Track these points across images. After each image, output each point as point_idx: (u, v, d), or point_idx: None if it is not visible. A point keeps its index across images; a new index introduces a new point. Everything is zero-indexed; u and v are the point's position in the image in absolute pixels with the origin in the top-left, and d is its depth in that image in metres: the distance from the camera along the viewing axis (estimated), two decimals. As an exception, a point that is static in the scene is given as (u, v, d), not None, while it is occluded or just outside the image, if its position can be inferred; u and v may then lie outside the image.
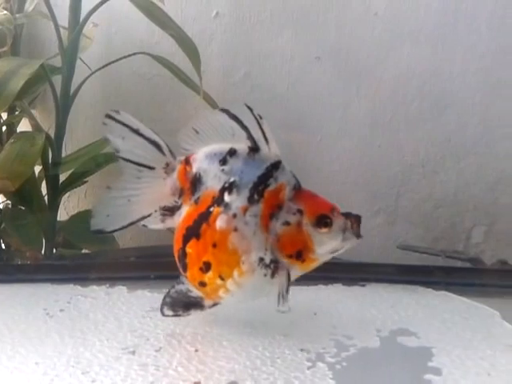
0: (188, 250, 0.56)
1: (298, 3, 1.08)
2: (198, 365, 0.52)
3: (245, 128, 0.55)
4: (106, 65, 0.99)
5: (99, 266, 0.79)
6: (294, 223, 0.54)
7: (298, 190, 0.56)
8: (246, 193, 0.54)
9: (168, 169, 0.58)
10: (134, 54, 0.99)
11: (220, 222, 0.54)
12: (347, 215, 0.54)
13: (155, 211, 0.59)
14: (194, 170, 0.57)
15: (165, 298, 0.61)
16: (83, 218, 0.95)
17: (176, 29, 0.97)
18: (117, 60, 0.98)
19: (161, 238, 1.01)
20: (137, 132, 0.58)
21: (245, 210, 0.54)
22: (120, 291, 0.71)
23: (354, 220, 0.54)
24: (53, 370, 0.51)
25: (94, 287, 0.72)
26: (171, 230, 0.60)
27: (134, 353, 0.54)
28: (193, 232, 0.55)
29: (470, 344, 0.59)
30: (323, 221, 0.54)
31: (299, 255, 0.54)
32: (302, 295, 0.72)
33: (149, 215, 0.59)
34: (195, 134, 0.57)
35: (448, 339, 0.60)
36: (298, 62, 1.08)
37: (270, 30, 1.09)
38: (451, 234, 1.08)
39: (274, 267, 0.54)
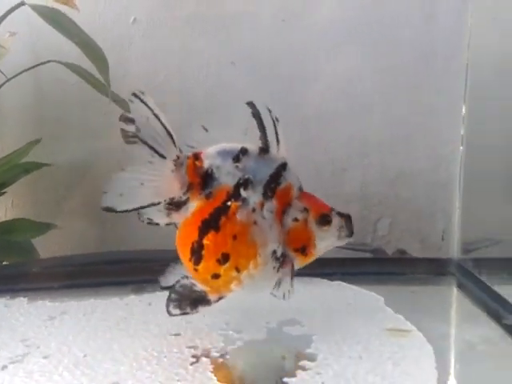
0: (205, 242, 0.57)
1: (212, 9, 1.11)
2: (85, 369, 0.54)
3: (262, 128, 0.58)
4: (20, 73, 0.98)
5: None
6: (302, 220, 0.59)
7: (301, 190, 0.61)
8: (260, 189, 0.58)
9: (177, 162, 0.59)
10: (48, 61, 1.00)
11: (241, 215, 0.57)
12: (341, 215, 0.60)
13: (164, 201, 0.59)
14: (206, 165, 0.59)
15: (170, 294, 0.61)
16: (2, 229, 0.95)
17: (82, 36, 0.97)
18: (30, 68, 0.98)
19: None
20: (157, 117, 0.58)
21: (261, 206, 0.58)
22: (20, 302, 0.72)
23: (347, 219, 0.59)
24: None
25: (-5, 300, 0.73)
26: (176, 225, 0.61)
27: (22, 361, 0.56)
28: (211, 225, 0.57)
29: (349, 329, 0.63)
30: (325, 219, 0.59)
31: (303, 249, 0.59)
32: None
33: (158, 203, 0.59)
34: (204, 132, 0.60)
35: (330, 326, 0.64)
36: (215, 67, 1.11)
37: (186, 35, 1.11)
38: (361, 227, 1.14)
39: (282, 260, 0.58)
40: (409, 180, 1.08)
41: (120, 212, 0.59)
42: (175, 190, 0.59)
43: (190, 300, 0.61)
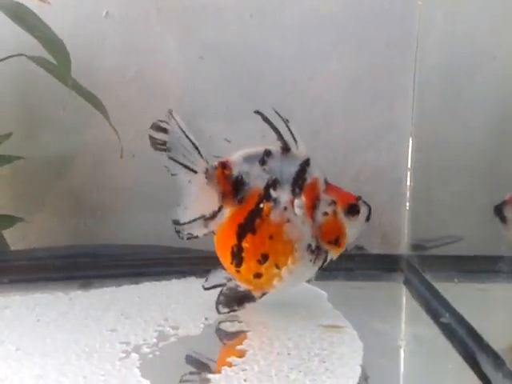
0: (245, 245, 0.61)
1: (181, 4, 1.11)
2: (12, 362, 0.54)
3: (276, 130, 0.61)
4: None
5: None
6: (331, 212, 0.62)
7: (327, 183, 0.63)
8: (288, 188, 0.61)
9: (208, 174, 0.63)
10: (12, 56, 1.00)
11: (274, 216, 0.60)
12: (365, 203, 0.63)
13: (209, 214, 0.63)
14: (235, 173, 0.62)
15: (219, 297, 0.65)
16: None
17: (45, 30, 0.97)
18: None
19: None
20: (185, 134, 0.62)
21: (292, 203, 0.61)
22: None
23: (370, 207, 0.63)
24: None
25: None
26: (214, 233, 0.64)
27: (-50, 358, 0.56)
28: (247, 228, 0.61)
29: (285, 325, 0.63)
30: (354, 209, 0.62)
31: (337, 241, 0.62)
32: (150, 290, 0.75)
33: (202, 216, 0.63)
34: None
35: (267, 322, 0.65)
36: (184, 61, 1.11)
37: (157, 30, 1.11)
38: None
39: (317, 253, 0.62)
40: (370, 176, 1.09)
41: (182, 224, 0.64)
42: (212, 201, 0.63)
43: (236, 299, 0.65)
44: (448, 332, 0.61)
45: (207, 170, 0.62)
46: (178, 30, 1.12)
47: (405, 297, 0.76)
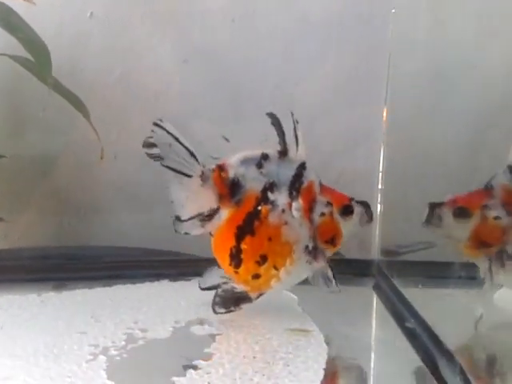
0: (243, 246, 0.63)
1: (166, 7, 1.12)
2: (-19, 364, 0.55)
3: (281, 133, 0.63)
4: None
5: None
6: (328, 213, 0.63)
7: (321, 185, 0.65)
8: (285, 191, 0.63)
9: (203, 177, 0.64)
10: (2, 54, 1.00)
11: (272, 218, 0.62)
12: (360, 203, 0.65)
13: (198, 214, 0.65)
14: (231, 175, 0.64)
15: (214, 298, 0.66)
16: None
17: (27, 31, 0.98)
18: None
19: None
20: (178, 140, 0.63)
21: (290, 206, 0.62)
22: None
23: (366, 206, 0.65)
24: None
25: None
26: (210, 234, 0.66)
27: None
28: (246, 230, 0.63)
29: (254, 329, 0.65)
30: (348, 210, 0.64)
31: (333, 240, 0.64)
32: (123, 293, 0.76)
33: (199, 215, 0.65)
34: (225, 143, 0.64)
35: (237, 326, 0.65)
36: (169, 64, 1.12)
37: (142, 32, 1.12)
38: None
39: (314, 253, 0.64)
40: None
41: (181, 221, 0.65)
42: (208, 202, 0.64)
43: (233, 300, 0.66)
44: (411, 336, 0.63)
45: (203, 172, 0.64)
46: (162, 33, 1.13)
47: (373, 301, 0.77)
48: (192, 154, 0.63)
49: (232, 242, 0.63)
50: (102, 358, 0.57)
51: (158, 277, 0.81)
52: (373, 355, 0.62)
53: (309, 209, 0.63)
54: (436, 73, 0.97)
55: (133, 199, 1.07)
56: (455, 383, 0.53)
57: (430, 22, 0.98)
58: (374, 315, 0.75)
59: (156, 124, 0.63)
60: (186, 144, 0.63)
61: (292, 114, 0.63)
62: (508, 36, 0.93)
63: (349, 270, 0.84)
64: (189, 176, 0.63)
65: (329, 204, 0.64)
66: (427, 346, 0.59)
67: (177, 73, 1.13)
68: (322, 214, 0.63)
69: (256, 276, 0.64)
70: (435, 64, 0.96)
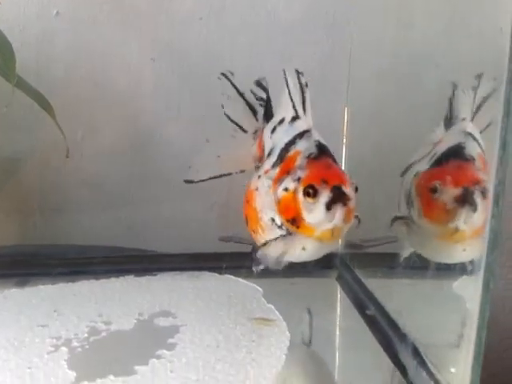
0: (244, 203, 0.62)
1: (133, 5, 1.12)
2: None
3: (291, 99, 0.59)
4: None
5: None
6: (292, 190, 0.53)
7: (312, 158, 0.54)
8: (274, 157, 0.58)
9: (255, 135, 0.64)
10: None
11: (251, 182, 0.61)
12: (335, 189, 0.51)
13: (235, 172, 0.63)
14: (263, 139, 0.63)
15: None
16: None
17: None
18: None
19: None
20: (242, 95, 0.63)
21: (266, 173, 0.58)
22: None
23: (339, 195, 0.50)
24: None
25: None
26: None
27: None
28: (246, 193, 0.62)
29: (218, 320, 0.65)
30: (307, 190, 0.52)
31: (294, 221, 0.53)
32: (87, 288, 0.75)
33: (229, 174, 0.63)
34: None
35: (201, 317, 0.66)
36: (136, 62, 1.12)
37: (108, 31, 1.11)
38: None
39: (286, 230, 0.55)
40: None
41: (196, 182, 0.64)
42: (252, 161, 0.63)
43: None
44: (372, 324, 0.64)
45: (256, 131, 0.64)
46: (129, 32, 1.12)
47: (336, 291, 0.78)
48: (253, 111, 0.64)
49: None
50: (64, 349, 0.57)
51: (123, 272, 0.81)
52: (336, 341, 0.63)
53: (278, 180, 0.55)
54: (398, 72, 0.99)
55: (99, 198, 1.07)
56: (412, 366, 0.54)
57: (394, 20, 1.00)
58: (337, 304, 0.76)
59: (224, 74, 0.64)
60: (249, 100, 0.64)
61: (301, 74, 0.59)
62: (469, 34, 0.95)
63: (313, 262, 0.85)
64: (245, 131, 0.65)
65: (297, 180, 0.53)
66: (386, 332, 0.61)
67: (145, 70, 1.13)
68: (286, 189, 0.54)
69: (254, 231, 0.61)
70: (397, 63, 0.99)
